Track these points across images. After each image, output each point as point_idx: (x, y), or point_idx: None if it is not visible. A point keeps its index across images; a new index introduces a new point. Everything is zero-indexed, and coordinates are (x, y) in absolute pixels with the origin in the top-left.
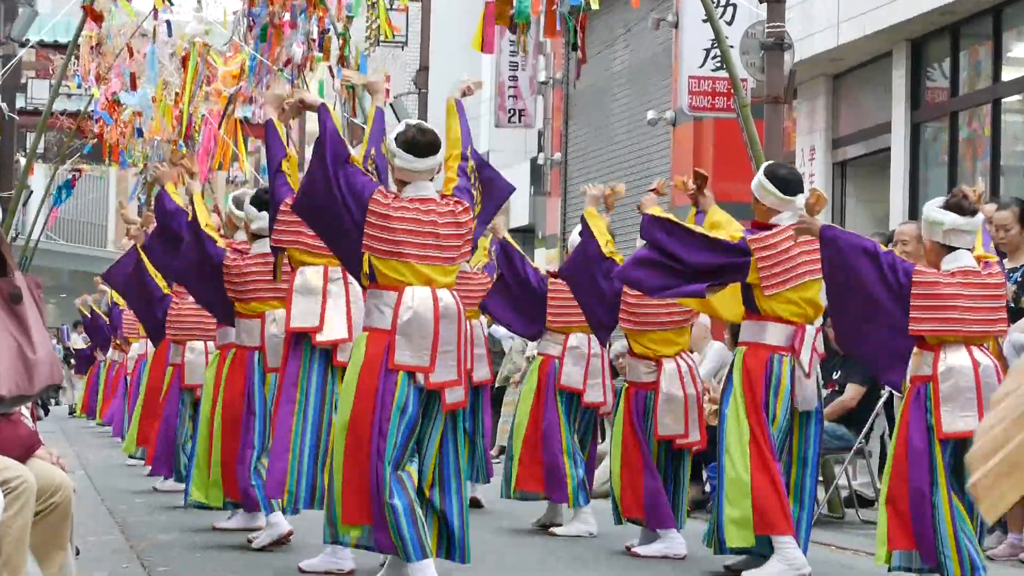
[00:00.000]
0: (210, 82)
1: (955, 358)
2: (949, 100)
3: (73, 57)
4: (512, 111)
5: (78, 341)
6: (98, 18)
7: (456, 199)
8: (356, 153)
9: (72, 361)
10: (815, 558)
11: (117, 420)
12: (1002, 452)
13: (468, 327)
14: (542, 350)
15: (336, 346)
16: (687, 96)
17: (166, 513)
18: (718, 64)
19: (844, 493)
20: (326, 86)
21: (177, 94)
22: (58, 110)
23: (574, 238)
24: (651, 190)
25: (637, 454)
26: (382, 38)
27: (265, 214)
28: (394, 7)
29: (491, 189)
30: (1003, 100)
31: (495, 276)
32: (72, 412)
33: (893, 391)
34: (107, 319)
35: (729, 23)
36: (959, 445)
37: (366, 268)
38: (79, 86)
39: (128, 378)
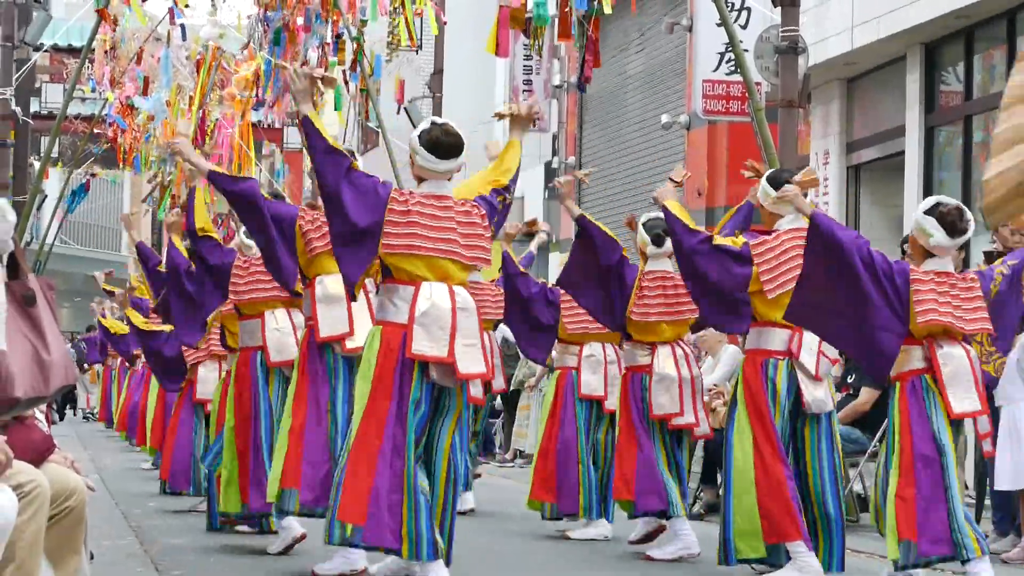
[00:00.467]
0: (224, 86)
1: (949, 347)
2: (963, 104)
3: (87, 61)
4: None
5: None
6: (112, 22)
7: (474, 203)
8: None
9: (85, 365)
10: None
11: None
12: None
13: (488, 337)
14: (559, 363)
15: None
16: (701, 100)
17: (180, 517)
18: (732, 68)
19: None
20: (342, 91)
21: (191, 98)
22: (72, 114)
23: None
24: (669, 178)
25: (632, 437)
26: (405, 44)
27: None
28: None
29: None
30: None
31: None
32: (87, 418)
33: None
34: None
35: (743, 27)
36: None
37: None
38: (93, 90)
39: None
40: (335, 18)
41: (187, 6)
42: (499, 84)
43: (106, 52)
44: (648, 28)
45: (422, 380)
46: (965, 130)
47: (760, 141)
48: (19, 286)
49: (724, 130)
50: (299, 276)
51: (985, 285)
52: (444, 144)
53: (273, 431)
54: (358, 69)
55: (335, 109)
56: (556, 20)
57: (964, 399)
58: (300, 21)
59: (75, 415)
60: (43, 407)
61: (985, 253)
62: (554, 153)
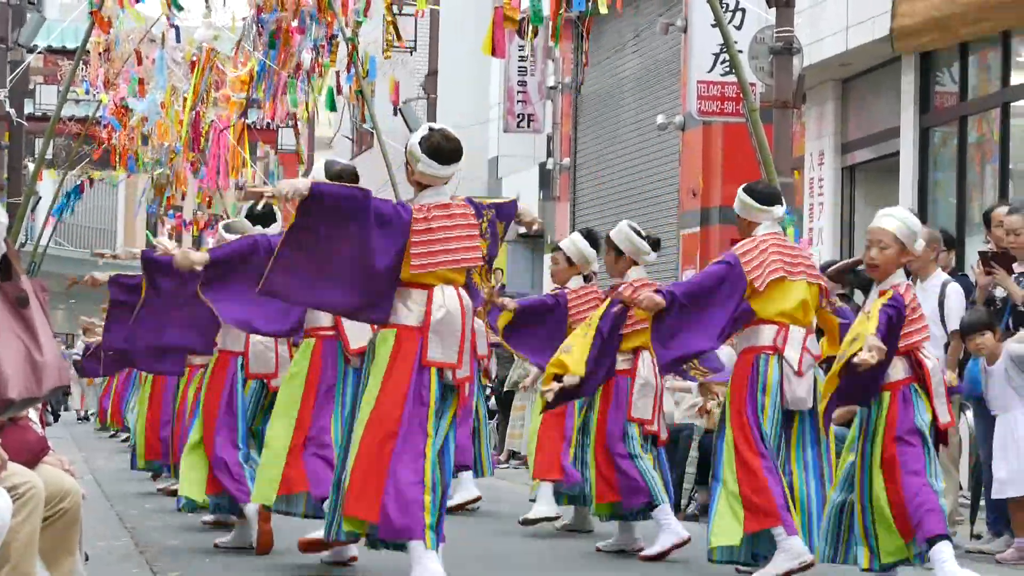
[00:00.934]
0: (219, 88)
1: (929, 360)
2: (958, 104)
3: (81, 63)
4: (521, 116)
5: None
6: (106, 25)
7: (465, 203)
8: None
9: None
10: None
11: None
12: None
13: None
14: None
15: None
16: (696, 101)
17: (175, 518)
18: (727, 69)
19: None
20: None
21: (185, 99)
22: (66, 116)
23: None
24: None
25: (612, 441)
26: (389, 45)
27: (259, 227)
28: (402, 12)
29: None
30: (1012, 104)
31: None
32: (80, 418)
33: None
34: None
35: (738, 28)
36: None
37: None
38: (87, 92)
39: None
40: (329, 19)
41: (181, 8)
42: (494, 85)
43: (100, 54)
44: (643, 29)
45: (439, 381)
46: (960, 131)
47: (755, 142)
48: (12, 287)
49: (719, 131)
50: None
51: None
52: (446, 150)
53: (249, 435)
54: (352, 70)
55: (329, 110)
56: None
57: (943, 407)
58: (295, 23)
59: (67, 410)
60: (37, 408)
61: (980, 254)
62: (549, 154)
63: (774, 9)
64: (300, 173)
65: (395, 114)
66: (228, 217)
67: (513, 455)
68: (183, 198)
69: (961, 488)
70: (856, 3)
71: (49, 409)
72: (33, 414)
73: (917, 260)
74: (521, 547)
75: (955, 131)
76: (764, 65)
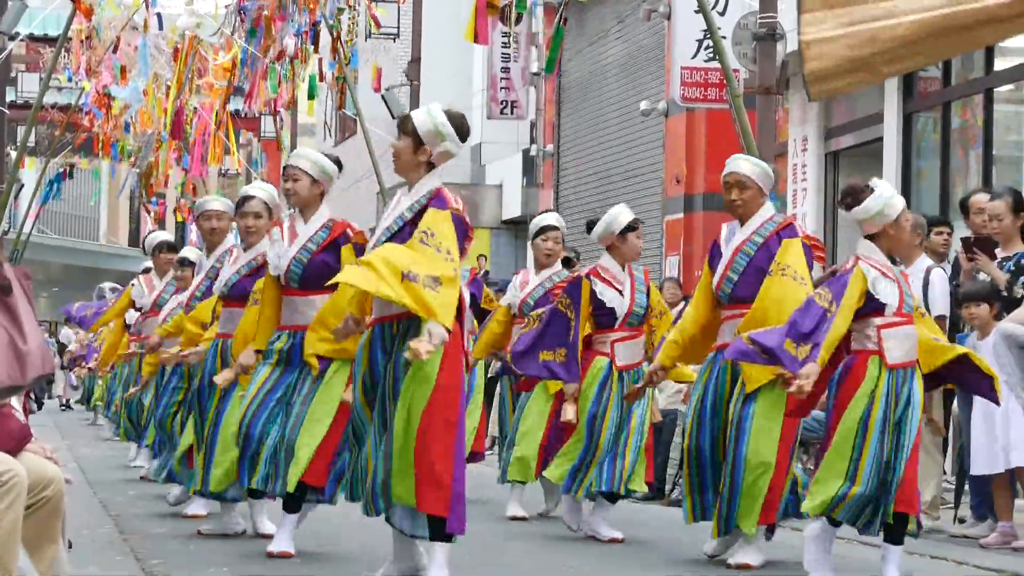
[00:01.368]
0: (201, 75)
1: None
2: (941, 90)
3: (63, 50)
4: (504, 103)
5: (70, 336)
6: (87, 12)
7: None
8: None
9: (63, 356)
10: (802, 547)
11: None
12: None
13: None
14: None
15: None
16: (679, 87)
17: (159, 505)
18: (710, 55)
19: None
20: (316, 79)
21: (168, 87)
22: (48, 103)
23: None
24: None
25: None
26: (371, 31)
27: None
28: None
29: None
30: (995, 90)
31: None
32: (62, 407)
33: None
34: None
35: (721, 14)
36: None
37: None
38: (70, 79)
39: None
40: (311, 6)
41: None
42: (477, 71)
43: (82, 41)
44: (626, 15)
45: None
46: (943, 117)
47: (738, 128)
48: None
49: (702, 117)
50: None
51: None
52: (465, 128)
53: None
54: (335, 57)
55: (309, 98)
56: (535, 7)
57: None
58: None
59: (50, 398)
60: (20, 396)
61: (963, 239)
62: (532, 140)
63: None
64: (282, 160)
65: (381, 101)
66: None
67: (495, 441)
68: (166, 184)
69: (945, 473)
70: None
71: (32, 397)
72: (15, 402)
73: (902, 246)
74: (505, 529)
75: (939, 117)
76: (747, 51)
